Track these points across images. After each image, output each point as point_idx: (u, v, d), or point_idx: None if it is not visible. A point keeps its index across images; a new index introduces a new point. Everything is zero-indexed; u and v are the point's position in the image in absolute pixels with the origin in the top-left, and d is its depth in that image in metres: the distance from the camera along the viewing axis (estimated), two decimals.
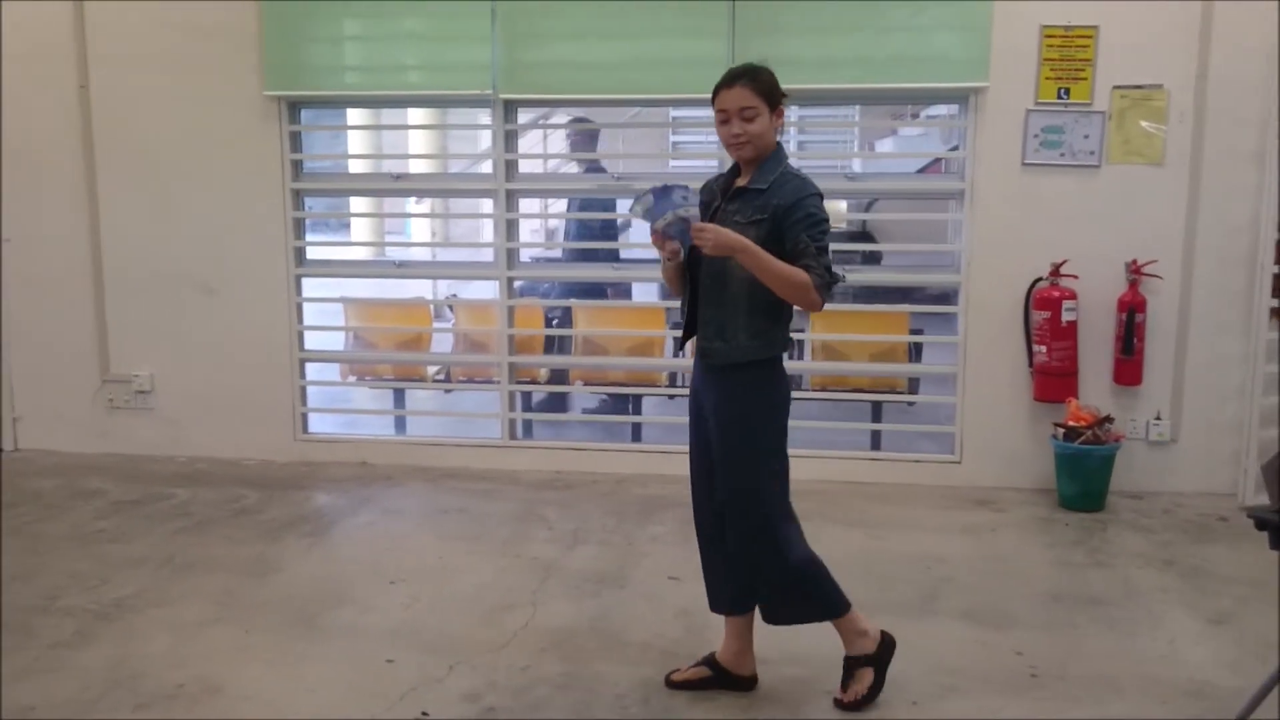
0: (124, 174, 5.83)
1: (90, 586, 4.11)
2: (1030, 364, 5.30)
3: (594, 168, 6.54)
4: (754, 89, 3.02)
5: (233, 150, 5.72)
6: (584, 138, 6.63)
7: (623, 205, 6.49)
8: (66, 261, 5.91)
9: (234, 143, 5.71)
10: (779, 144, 3.13)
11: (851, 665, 3.22)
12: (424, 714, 3.16)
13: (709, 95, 3.09)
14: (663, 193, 2.95)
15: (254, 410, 5.89)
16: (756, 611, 3.28)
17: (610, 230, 6.65)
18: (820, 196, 3.03)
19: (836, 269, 3.09)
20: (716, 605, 3.34)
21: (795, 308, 3.10)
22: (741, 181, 3.11)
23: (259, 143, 5.69)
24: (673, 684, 3.32)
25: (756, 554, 3.17)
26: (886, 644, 3.25)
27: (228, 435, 5.90)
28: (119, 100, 5.77)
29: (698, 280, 3.13)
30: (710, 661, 3.33)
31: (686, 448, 3.29)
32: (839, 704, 3.20)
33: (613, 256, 6.45)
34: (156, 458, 5.89)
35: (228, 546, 4.58)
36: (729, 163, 3.20)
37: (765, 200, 3.01)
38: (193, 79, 5.68)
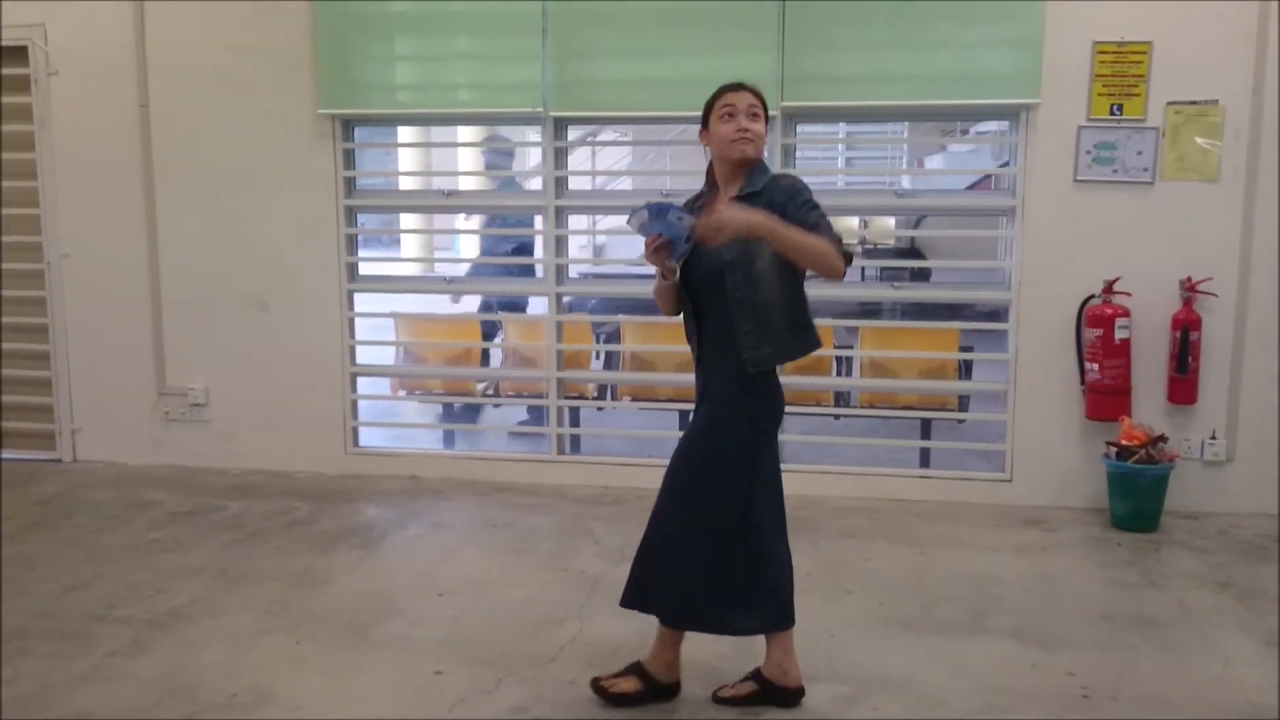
0: (182, 191, 5.95)
1: (146, 596, 4.18)
2: (1082, 382, 5.24)
3: (508, 183, 7.05)
4: (758, 97, 3.12)
5: (287, 167, 5.82)
6: (501, 156, 6.92)
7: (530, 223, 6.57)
8: (125, 277, 6.04)
9: (289, 160, 5.81)
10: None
11: (633, 669, 3.30)
12: None
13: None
14: (658, 211, 3.00)
15: (306, 423, 5.97)
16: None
17: (527, 248, 6.72)
18: (810, 190, 3.10)
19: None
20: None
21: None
22: (732, 192, 3.13)
23: (313, 160, 5.78)
24: (720, 700, 3.32)
25: (661, 528, 3.22)
26: (669, 689, 3.29)
27: (280, 448, 5.98)
28: (178, 119, 5.89)
29: (705, 301, 3.15)
30: (757, 676, 3.32)
31: None
32: (593, 681, 3.30)
33: (528, 272, 6.55)
34: (211, 469, 5.99)
35: (279, 558, 4.64)
36: None
37: (764, 202, 3.04)
38: (249, 98, 5.79)
